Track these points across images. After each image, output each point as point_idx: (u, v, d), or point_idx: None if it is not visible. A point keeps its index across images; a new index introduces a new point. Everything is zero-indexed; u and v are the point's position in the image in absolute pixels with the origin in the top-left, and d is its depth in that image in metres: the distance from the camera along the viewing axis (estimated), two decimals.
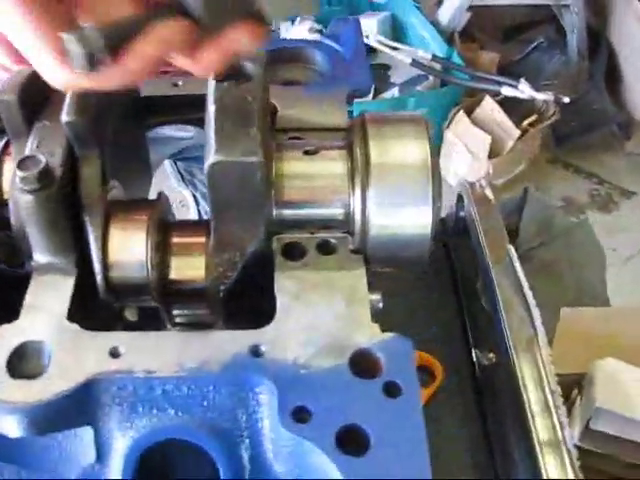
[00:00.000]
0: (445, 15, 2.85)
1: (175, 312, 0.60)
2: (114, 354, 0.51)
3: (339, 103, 0.69)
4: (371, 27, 2.83)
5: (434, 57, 2.60)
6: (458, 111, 2.61)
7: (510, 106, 2.57)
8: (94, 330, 0.53)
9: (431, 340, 0.94)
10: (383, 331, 0.52)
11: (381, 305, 0.56)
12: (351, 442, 0.47)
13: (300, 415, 0.48)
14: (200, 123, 0.57)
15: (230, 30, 0.48)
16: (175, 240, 0.58)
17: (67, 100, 0.54)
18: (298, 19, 2.72)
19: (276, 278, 0.56)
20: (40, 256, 0.56)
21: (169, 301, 0.58)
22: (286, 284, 0.55)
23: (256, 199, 0.54)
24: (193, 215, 1.33)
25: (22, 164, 0.52)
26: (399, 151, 0.57)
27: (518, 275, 0.86)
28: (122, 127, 0.64)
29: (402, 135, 0.58)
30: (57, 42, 0.47)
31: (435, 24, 2.83)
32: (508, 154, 2.58)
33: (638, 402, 0.74)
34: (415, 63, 2.59)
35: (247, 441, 0.52)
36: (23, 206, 0.53)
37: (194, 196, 1.29)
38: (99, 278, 0.55)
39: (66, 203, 0.55)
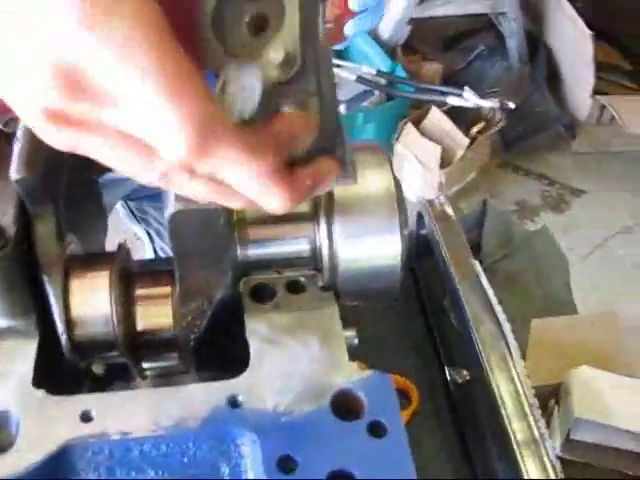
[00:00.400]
0: (386, 29, 2.87)
1: (145, 365, 0.58)
2: (85, 418, 0.49)
3: None
4: None
5: (378, 72, 2.62)
6: (406, 123, 2.63)
7: (457, 115, 2.60)
8: (61, 393, 0.51)
9: (404, 363, 0.93)
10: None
11: (356, 341, 0.55)
12: None
13: (286, 464, 0.47)
14: None
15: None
16: (140, 291, 0.56)
17: (15, 155, 0.52)
18: None
19: (246, 322, 0.54)
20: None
21: (138, 354, 0.56)
22: (257, 328, 0.54)
23: (220, 243, 0.53)
24: (149, 251, 1.30)
25: None
26: (362, 182, 0.57)
27: (485, 290, 0.86)
28: (75, 177, 0.62)
29: (363, 166, 0.57)
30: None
31: (377, 39, 2.86)
32: (459, 163, 2.60)
33: (616, 409, 0.74)
34: (360, 79, 2.60)
35: None
36: None
37: (148, 233, 1.26)
38: (63, 338, 0.53)
39: (22, 263, 0.52)
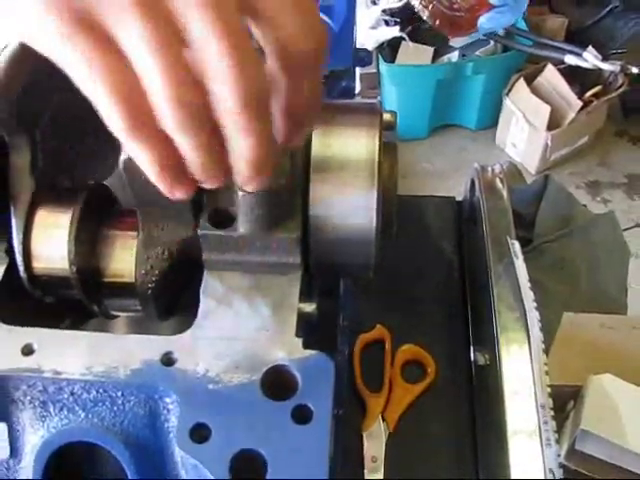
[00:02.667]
0: None
1: (107, 303, 0.57)
2: (27, 351, 0.49)
3: None
4: None
5: None
6: (518, 79, 2.48)
7: (575, 75, 2.43)
8: (17, 323, 0.51)
9: (430, 334, 0.89)
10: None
11: (315, 316, 0.52)
12: (247, 468, 0.44)
13: (199, 433, 0.45)
14: None
15: None
16: (104, 233, 0.54)
17: None
18: None
19: (204, 277, 0.52)
20: None
21: (98, 295, 0.56)
22: (212, 285, 0.51)
23: None
24: None
25: None
26: (345, 143, 0.52)
27: (518, 273, 0.80)
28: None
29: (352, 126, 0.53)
30: None
31: None
32: (569, 126, 2.44)
33: (628, 429, 0.68)
34: None
35: (156, 449, 0.49)
36: None
37: None
38: (20, 269, 0.53)
39: None
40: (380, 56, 2.47)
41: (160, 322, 0.59)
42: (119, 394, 0.48)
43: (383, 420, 0.81)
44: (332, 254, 0.53)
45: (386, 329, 0.88)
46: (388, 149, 0.54)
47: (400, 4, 2.49)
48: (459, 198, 1.03)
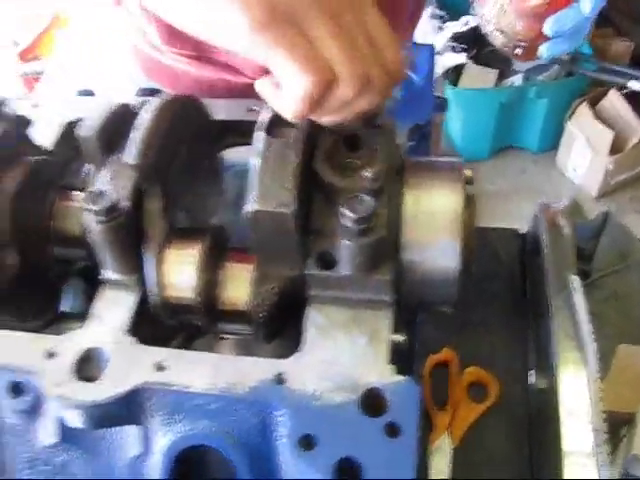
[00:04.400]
0: None
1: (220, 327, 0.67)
2: (159, 368, 0.59)
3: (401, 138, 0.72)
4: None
5: None
6: (581, 102, 2.53)
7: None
8: (147, 343, 0.61)
9: (493, 357, 0.97)
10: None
11: (404, 345, 0.60)
12: (347, 472, 0.53)
13: (306, 442, 0.54)
14: None
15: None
16: (225, 269, 0.64)
17: (131, 141, 0.61)
18: None
19: (307, 310, 0.61)
20: (108, 272, 0.64)
21: (216, 321, 0.66)
22: (316, 317, 0.61)
23: (291, 242, 0.60)
24: None
25: (94, 198, 0.60)
26: (432, 198, 0.61)
27: (577, 307, 0.87)
28: (197, 148, 0.71)
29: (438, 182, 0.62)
30: None
31: None
32: (631, 150, 2.47)
33: None
34: None
35: (265, 454, 0.59)
36: (93, 232, 0.61)
37: None
38: (153, 298, 0.63)
39: (132, 231, 0.63)
40: (446, 80, 2.55)
41: (262, 345, 0.69)
42: (238, 407, 0.58)
43: (449, 435, 0.89)
44: (420, 293, 0.62)
45: (453, 351, 0.96)
46: (468, 201, 0.63)
47: (466, 28, 2.56)
48: (518, 222, 1.10)
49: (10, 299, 0.69)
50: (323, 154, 0.60)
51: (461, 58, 2.53)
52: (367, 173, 0.58)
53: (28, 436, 0.64)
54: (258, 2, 0.53)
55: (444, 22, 2.63)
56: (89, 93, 0.88)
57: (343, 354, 0.59)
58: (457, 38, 2.58)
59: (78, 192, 0.71)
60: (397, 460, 0.53)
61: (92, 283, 0.75)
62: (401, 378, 0.57)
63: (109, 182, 0.63)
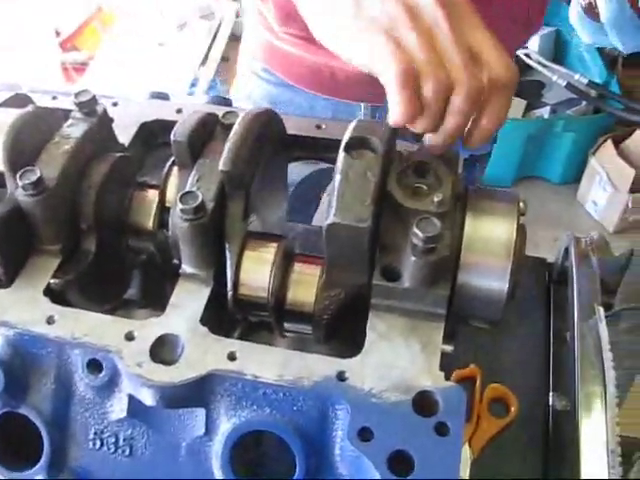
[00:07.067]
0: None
1: (286, 325, 0.74)
2: (231, 357, 0.65)
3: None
4: (533, 43, 2.84)
5: (590, 82, 2.59)
6: (606, 139, 2.59)
7: None
8: (218, 333, 0.67)
9: (512, 373, 1.03)
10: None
11: (452, 353, 0.67)
12: (399, 464, 0.59)
13: (364, 434, 0.60)
14: (332, 162, 0.69)
15: None
16: (295, 273, 0.71)
17: (226, 150, 0.68)
18: None
19: (370, 317, 0.68)
20: (186, 266, 0.71)
21: (282, 318, 0.72)
22: (377, 323, 0.67)
23: (363, 254, 0.66)
24: None
25: (183, 197, 0.66)
26: (490, 226, 0.68)
27: (601, 336, 0.93)
28: (272, 160, 0.78)
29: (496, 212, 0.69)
30: None
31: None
32: None
33: None
34: (570, 87, 2.59)
35: (323, 443, 0.65)
36: (179, 229, 0.68)
37: None
38: (229, 294, 0.69)
39: (213, 230, 0.69)
40: None
41: (313, 344, 0.75)
42: (301, 398, 0.64)
43: (470, 446, 0.95)
44: (470, 308, 0.68)
45: (478, 368, 1.02)
46: (521, 230, 0.69)
47: None
48: (534, 249, 1.16)
49: (88, 282, 0.76)
50: (395, 178, 0.66)
51: None
52: (436, 198, 0.64)
53: (98, 409, 0.70)
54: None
55: None
56: (164, 97, 0.95)
57: (399, 358, 0.65)
58: None
59: (153, 189, 0.78)
60: (445, 456, 0.59)
61: (151, 275, 0.82)
62: (451, 384, 0.63)
63: (196, 184, 0.69)
